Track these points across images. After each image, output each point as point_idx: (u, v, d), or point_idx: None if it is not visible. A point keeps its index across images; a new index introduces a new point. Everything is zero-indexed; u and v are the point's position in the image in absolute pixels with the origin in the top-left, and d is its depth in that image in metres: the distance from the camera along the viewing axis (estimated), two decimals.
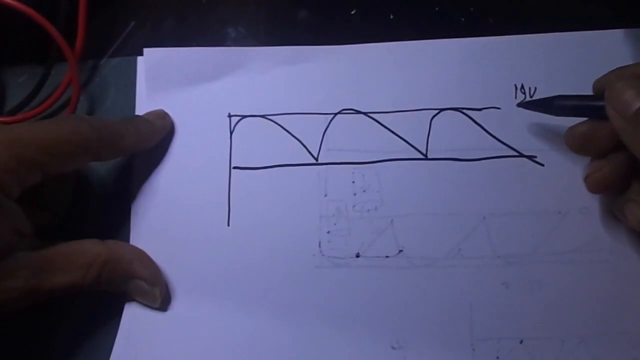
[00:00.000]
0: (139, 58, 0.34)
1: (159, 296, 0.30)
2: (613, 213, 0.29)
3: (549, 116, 0.30)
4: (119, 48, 0.36)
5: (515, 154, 0.31)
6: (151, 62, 0.33)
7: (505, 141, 0.32)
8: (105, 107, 0.35)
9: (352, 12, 0.36)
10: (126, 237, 0.32)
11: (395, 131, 0.32)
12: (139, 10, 0.36)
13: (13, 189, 0.26)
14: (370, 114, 0.33)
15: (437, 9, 0.35)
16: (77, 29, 0.34)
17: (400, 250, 0.31)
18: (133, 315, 0.31)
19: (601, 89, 0.27)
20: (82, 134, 0.27)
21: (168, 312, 0.31)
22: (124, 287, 0.30)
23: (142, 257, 0.30)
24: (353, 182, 0.32)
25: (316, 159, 0.32)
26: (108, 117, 0.32)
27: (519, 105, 0.31)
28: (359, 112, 0.33)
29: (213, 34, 0.36)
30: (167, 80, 0.33)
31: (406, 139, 0.32)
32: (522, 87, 0.32)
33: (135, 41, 0.36)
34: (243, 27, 0.36)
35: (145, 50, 0.33)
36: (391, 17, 0.35)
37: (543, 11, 0.35)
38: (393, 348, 0.29)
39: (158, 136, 0.32)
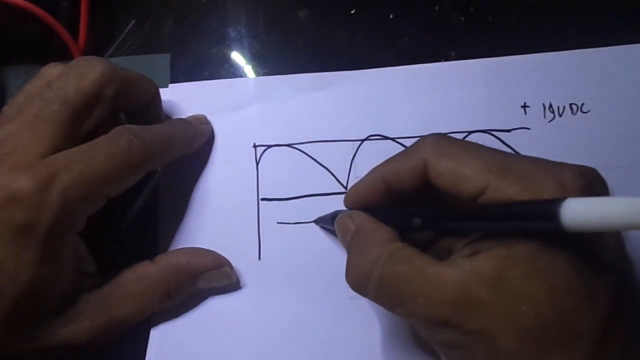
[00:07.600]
0: (162, 90, 0.33)
1: (231, 272, 0.30)
2: None
3: (579, 135, 0.31)
4: (119, 47, 0.36)
5: None
6: (175, 96, 0.33)
7: None
8: None
9: (352, 12, 0.35)
10: None
11: None
12: (139, 9, 0.36)
13: (80, 225, 0.26)
14: (398, 139, 0.32)
15: (437, 8, 0.35)
16: (78, 28, 0.34)
17: None
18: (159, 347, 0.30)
19: None
20: (137, 154, 0.27)
21: (198, 348, 0.30)
22: (195, 288, 0.30)
23: (195, 252, 0.30)
24: None
25: (345, 188, 0.32)
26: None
27: None
28: (386, 137, 0.32)
29: (213, 34, 0.36)
30: (191, 113, 0.33)
31: None
32: (551, 106, 0.32)
33: (135, 40, 0.36)
34: (243, 27, 0.36)
35: (170, 85, 0.33)
36: (391, 16, 0.35)
37: (543, 11, 0.35)
38: None
39: (200, 140, 0.32)
